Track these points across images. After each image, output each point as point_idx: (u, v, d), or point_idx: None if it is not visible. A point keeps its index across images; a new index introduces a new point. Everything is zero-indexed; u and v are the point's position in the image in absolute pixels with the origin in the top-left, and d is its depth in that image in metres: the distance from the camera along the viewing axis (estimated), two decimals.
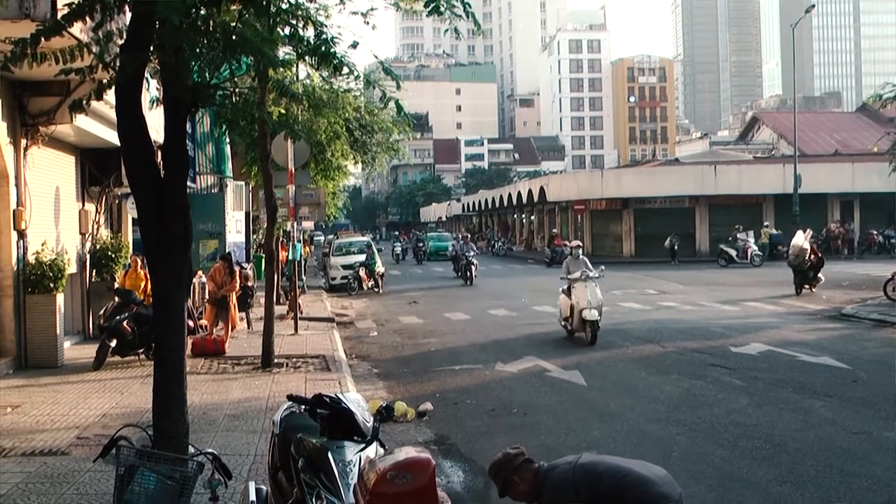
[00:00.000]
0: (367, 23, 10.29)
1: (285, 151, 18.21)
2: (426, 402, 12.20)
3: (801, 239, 27.25)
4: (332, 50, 6.44)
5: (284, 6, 6.56)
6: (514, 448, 5.44)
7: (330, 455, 5.25)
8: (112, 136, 15.91)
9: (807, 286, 27.54)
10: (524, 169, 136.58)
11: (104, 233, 19.36)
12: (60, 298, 15.20)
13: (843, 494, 8.00)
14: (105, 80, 6.48)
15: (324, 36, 6.55)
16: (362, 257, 34.53)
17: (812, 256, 27.35)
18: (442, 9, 6.96)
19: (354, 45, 7.03)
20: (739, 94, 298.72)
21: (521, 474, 5.24)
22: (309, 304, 26.18)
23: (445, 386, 13.93)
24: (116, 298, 15.51)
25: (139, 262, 16.89)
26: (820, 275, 27.67)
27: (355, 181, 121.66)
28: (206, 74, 6.57)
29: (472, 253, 37.97)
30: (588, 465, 5.10)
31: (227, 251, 19.74)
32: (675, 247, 47.63)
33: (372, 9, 11.08)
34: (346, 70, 6.70)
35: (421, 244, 61.51)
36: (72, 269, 16.74)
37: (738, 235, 45.31)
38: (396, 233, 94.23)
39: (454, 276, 39.85)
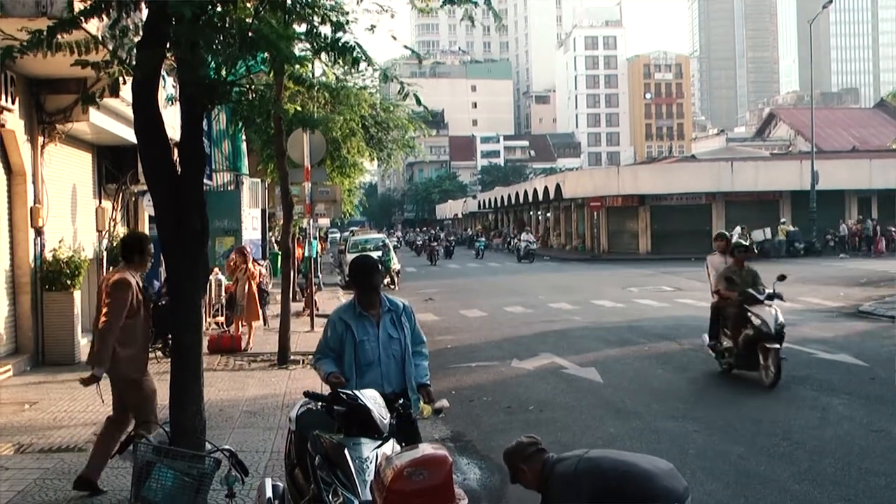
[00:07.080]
0: (386, 10, 10.25)
1: (301, 148, 18.20)
2: (442, 399, 12.06)
3: None
4: (349, 44, 6.42)
5: (300, 1, 6.55)
6: (529, 437, 5.46)
7: (347, 452, 5.24)
8: (129, 134, 15.94)
9: None
10: (540, 166, 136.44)
11: (121, 230, 19.42)
12: (78, 295, 15.26)
13: (861, 492, 7.95)
14: (121, 77, 6.48)
15: (339, 34, 6.53)
16: (378, 254, 34.50)
17: None
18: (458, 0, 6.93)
19: (372, 29, 7.02)
20: (756, 91, 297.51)
21: (530, 464, 5.27)
22: (325, 301, 26.19)
23: (461, 383, 13.93)
24: None
25: None
26: None
27: (371, 178, 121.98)
28: (223, 71, 6.57)
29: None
30: (593, 460, 5.13)
31: (242, 245, 19.79)
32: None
33: (385, 9, 11.04)
34: (363, 64, 6.68)
35: None
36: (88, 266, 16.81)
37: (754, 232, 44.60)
38: (416, 229, 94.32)
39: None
